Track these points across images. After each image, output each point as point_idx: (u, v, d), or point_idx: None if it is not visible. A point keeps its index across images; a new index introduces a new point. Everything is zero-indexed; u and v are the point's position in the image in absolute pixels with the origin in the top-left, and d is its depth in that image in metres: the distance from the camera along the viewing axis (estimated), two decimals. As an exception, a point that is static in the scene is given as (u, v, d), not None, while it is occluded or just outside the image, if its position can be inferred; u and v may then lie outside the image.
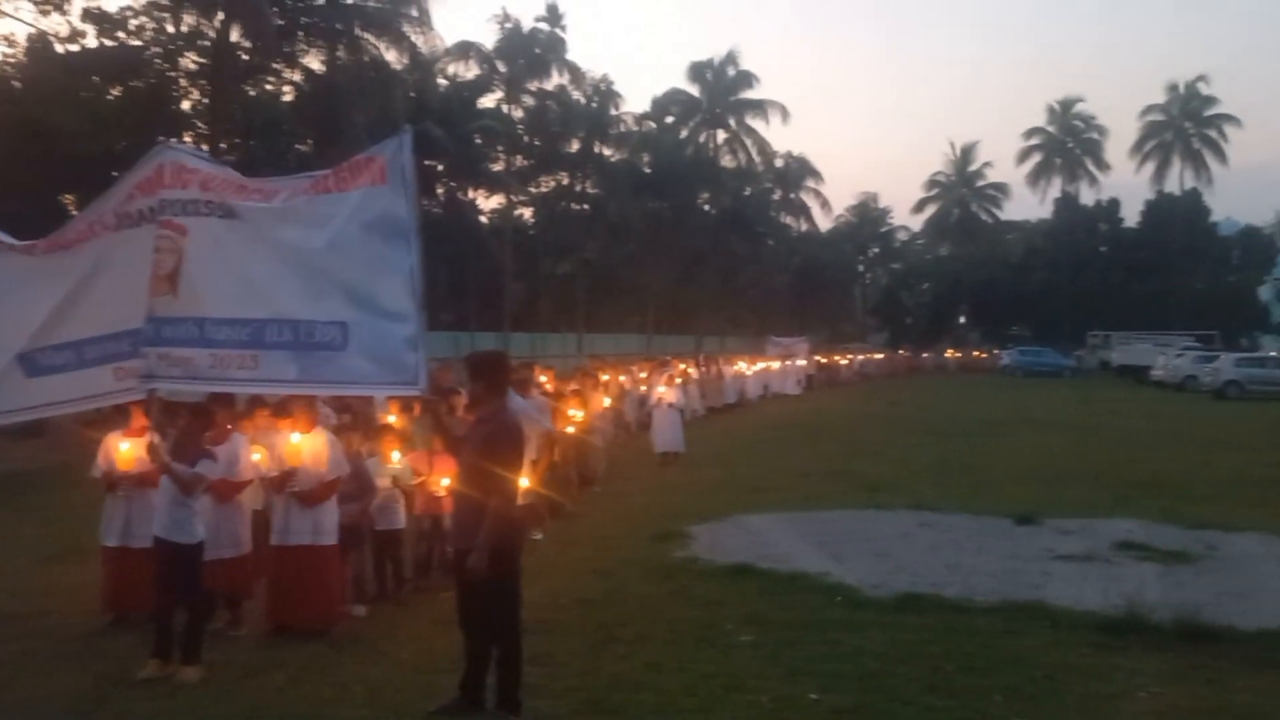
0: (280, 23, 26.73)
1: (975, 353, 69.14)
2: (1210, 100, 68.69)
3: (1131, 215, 71.01)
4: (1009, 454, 17.44)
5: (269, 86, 29.76)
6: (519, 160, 43.27)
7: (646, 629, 6.60)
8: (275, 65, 28.34)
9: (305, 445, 6.70)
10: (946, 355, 65.41)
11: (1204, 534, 9.66)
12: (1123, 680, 5.58)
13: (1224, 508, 11.45)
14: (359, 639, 6.49)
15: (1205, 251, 67.97)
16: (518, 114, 42.62)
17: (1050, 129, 73.53)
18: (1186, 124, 68.91)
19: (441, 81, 38.63)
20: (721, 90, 56.78)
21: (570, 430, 11.80)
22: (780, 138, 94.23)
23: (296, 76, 29.20)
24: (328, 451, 6.71)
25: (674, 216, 48.96)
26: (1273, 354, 46.55)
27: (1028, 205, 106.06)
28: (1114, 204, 72.28)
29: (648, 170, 50.03)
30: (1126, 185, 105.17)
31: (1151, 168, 69.98)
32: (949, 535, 9.76)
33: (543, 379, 13.80)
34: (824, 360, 44.66)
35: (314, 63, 28.97)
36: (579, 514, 11.08)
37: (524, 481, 6.45)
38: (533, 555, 7.87)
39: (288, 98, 30.12)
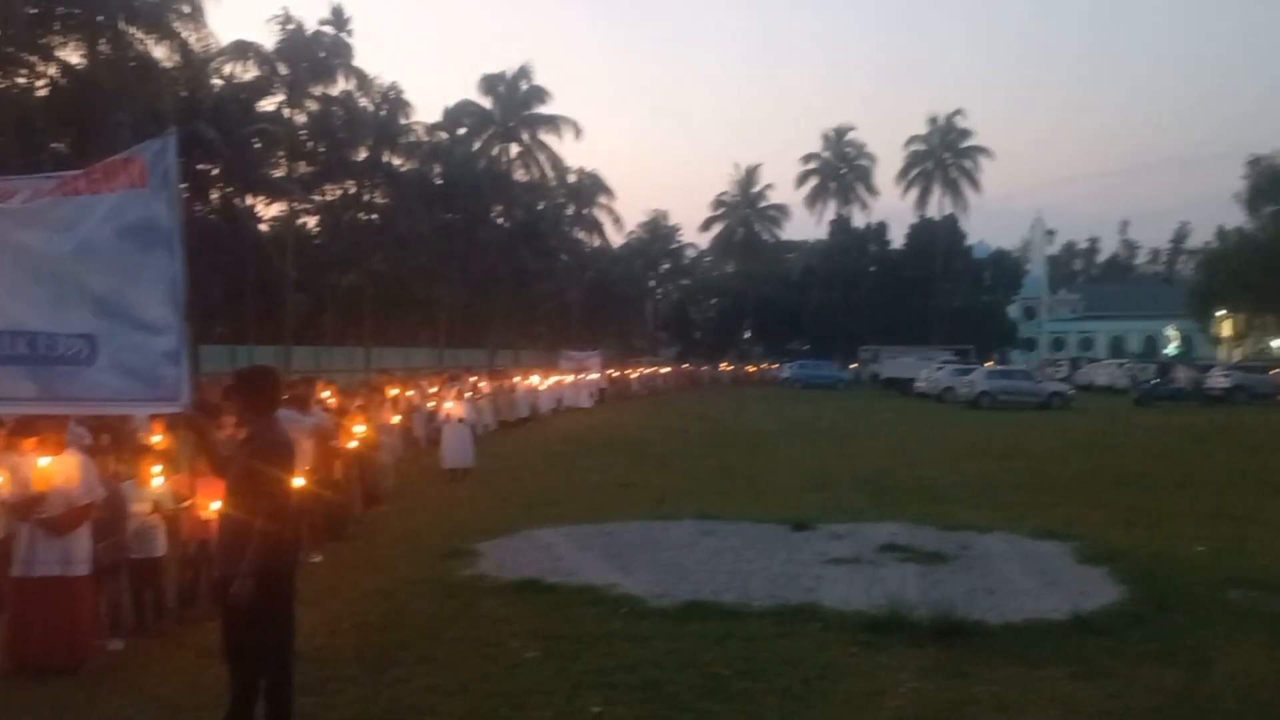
0: (33, 10, 24.63)
1: (750, 366, 71.63)
2: (966, 133, 74.56)
3: (898, 237, 76.22)
4: (788, 463, 18.25)
5: (20, 80, 27.30)
6: (302, 167, 41.58)
7: (428, 650, 6.46)
8: (27, 57, 26.05)
9: (54, 468, 6.16)
10: (722, 369, 67.34)
11: (958, 535, 10.42)
12: (886, 677, 5.92)
13: (975, 510, 12.38)
14: (114, 676, 6.02)
15: (962, 272, 73.75)
16: (300, 119, 40.98)
17: (826, 155, 77.77)
18: (945, 154, 74.46)
19: (217, 82, 36.63)
20: (514, 104, 56.80)
21: (354, 446, 11.43)
22: (573, 153, 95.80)
23: (52, 70, 26.98)
24: (79, 475, 6.20)
25: (466, 229, 48.40)
26: (1019, 366, 50.96)
27: (806, 226, 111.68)
28: (882, 227, 77.33)
29: (439, 181, 49.25)
30: (894, 209, 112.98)
31: (915, 194, 75.12)
32: (730, 543, 10.08)
33: (325, 394, 13.30)
34: (616, 374, 45.30)
35: (73, 56, 26.86)
36: (362, 534, 10.74)
37: (296, 500, 6.16)
38: (310, 579, 7.55)
39: (42, 92, 27.75)
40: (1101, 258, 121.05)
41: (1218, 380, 41.70)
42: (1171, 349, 79.12)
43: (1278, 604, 7.67)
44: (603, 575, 8.59)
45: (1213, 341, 78.45)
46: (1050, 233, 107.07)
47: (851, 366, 63.26)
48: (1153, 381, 42.33)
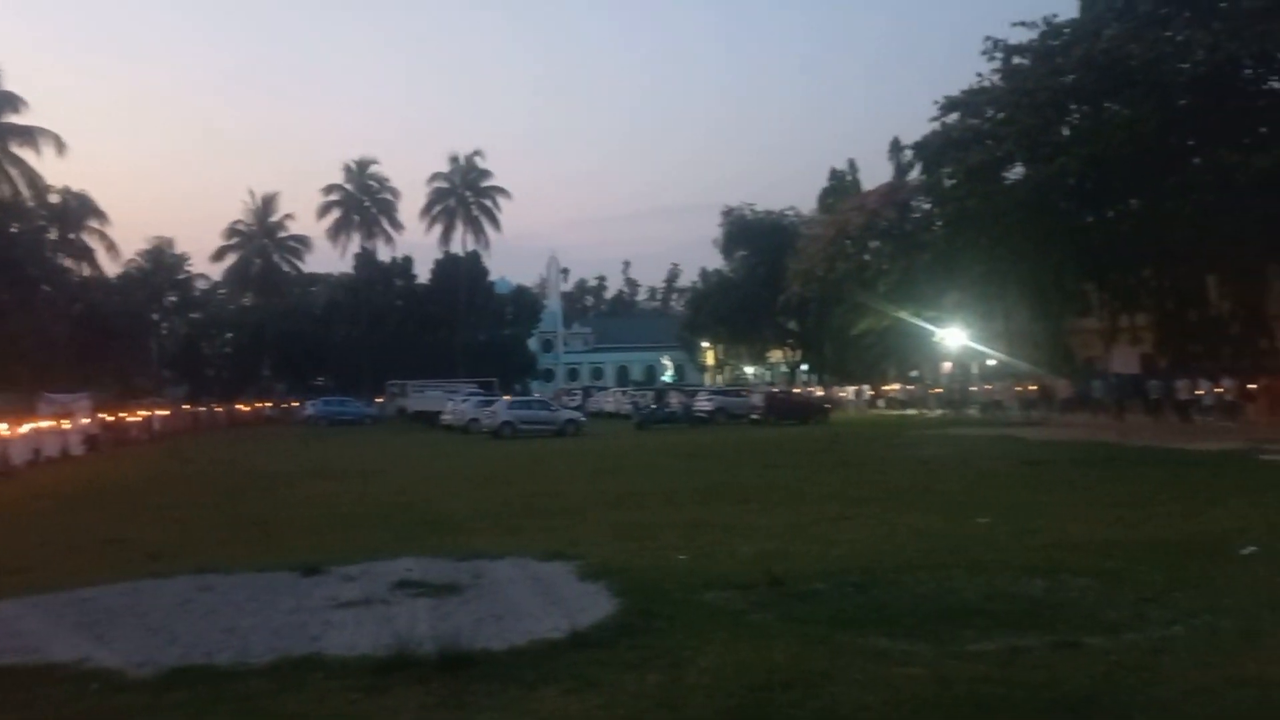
0: None
1: (270, 405, 66.82)
2: (485, 173, 77.50)
3: (424, 272, 76.97)
4: (304, 504, 17.46)
5: None
6: None
7: None
8: None
9: None
10: (239, 408, 61.88)
11: (472, 564, 10.58)
12: (386, 719, 5.77)
13: (492, 537, 12.71)
14: None
15: (485, 307, 76.28)
16: None
17: (348, 187, 76.45)
18: (467, 192, 76.77)
19: None
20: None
21: None
22: (55, 171, 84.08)
23: None
24: None
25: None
26: (538, 397, 53.66)
27: (330, 259, 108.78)
28: (408, 261, 77.67)
29: None
30: (419, 244, 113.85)
31: (439, 229, 76.52)
32: (230, 597, 9.34)
33: None
34: (110, 418, 40.55)
35: None
36: None
37: None
38: None
39: None
40: (609, 294, 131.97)
41: (703, 404, 47.13)
42: (667, 376, 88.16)
43: (743, 602, 8.66)
44: (72, 650, 7.49)
45: (700, 369, 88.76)
46: (564, 271, 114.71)
47: (378, 401, 62.52)
48: (651, 406, 46.75)
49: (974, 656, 6.65)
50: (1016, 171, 40.05)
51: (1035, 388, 43.65)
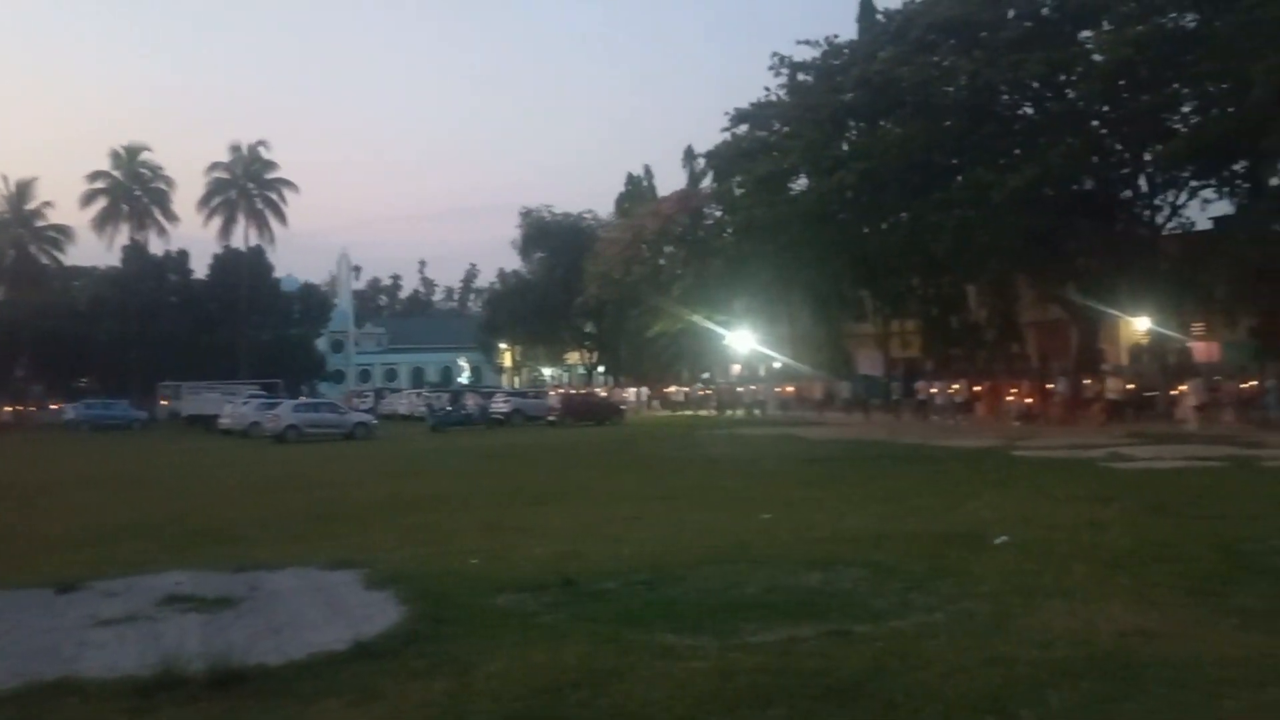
0: None
1: (23, 408, 61.33)
2: (270, 164, 73.90)
3: (201, 267, 72.67)
4: (60, 516, 16.10)
5: None
6: None
7: None
8: None
9: None
10: None
11: (249, 576, 10.07)
12: (150, 744, 5.40)
13: (273, 547, 12.14)
14: None
15: (270, 305, 72.82)
16: None
17: (116, 174, 71.02)
18: (250, 184, 72.96)
19: None
20: None
21: None
22: None
23: None
24: None
25: None
26: (326, 399, 51.78)
27: (95, 251, 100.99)
28: (184, 255, 73.19)
29: None
30: (197, 238, 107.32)
31: (219, 222, 72.34)
32: (-30, 620, 8.49)
33: None
34: None
35: None
36: None
37: None
38: None
39: None
40: (404, 294, 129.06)
41: (499, 405, 46.85)
42: (463, 378, 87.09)
43: (535, 604, 8.64)
44: None
45: (497, 370, 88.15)
46: (356, 269, 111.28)
47: (153, 404, 58.54)
48: (446, 409, 46.03)
49: (754, 648, 6.91)
50: (801, 183, 41.95)
51: (793, 389, 46.80)
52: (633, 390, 61.05)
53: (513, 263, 79.48)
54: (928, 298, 44.26)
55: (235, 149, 72.94)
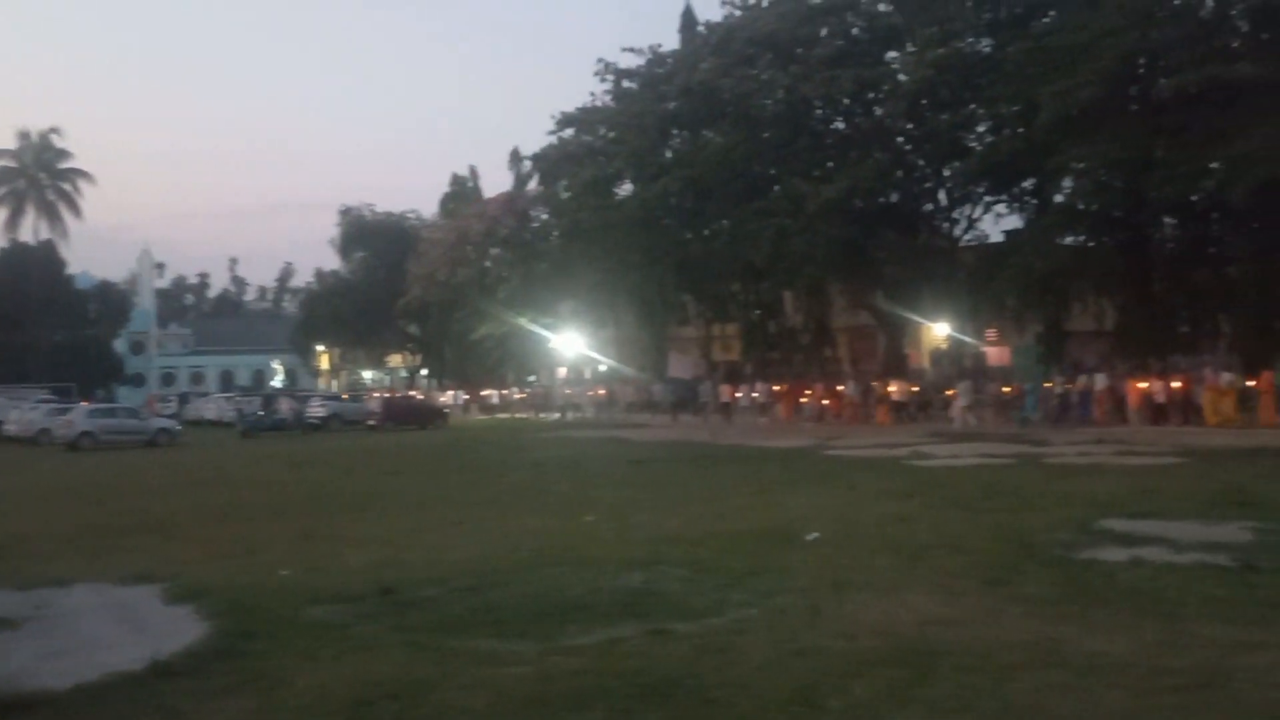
0: None
1: None
2: (64, 153, 69.00)
3: (-16, 262, 66.86)
4: None
5: None
6: None
7: None
8: None
9: None
10: None
11: (36, 594, 9.35)
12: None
13: (64, 562, 11.31)
14: None
15: (64, 304, 67.74)
16: None
17: (-115, 159, 64.74)
18: (41, 174, 67.90)
19: None
20: None
21: None
22: None
23: None
24: None
25: None
26: (124, 404, 48.69)
27: None
28: (-38, 250, 67.22)
29: None
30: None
31: (4, 215, 66.97)
32: None
33: None
34: None
35: None
36: None
37: None
38: None
39: None
40: (213, 293, 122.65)
41: (316, 410, 45.20)
42: (277, 381, 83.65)
43: (351, 615, 8.39)
44: None
45: (314, 373, 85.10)
46: (160, 265, 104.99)
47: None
48: (259, 414, 44.06)
49: (575, 650, 6.93)
50: (627, 188, 42.47)
51: (604, 391, 47.73)
52: (450, 394, 60.10)
53: (331, 262, 76.90)
54: (748, 302, 45.60)
55: (24, 136, 67.74)
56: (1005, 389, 32.16)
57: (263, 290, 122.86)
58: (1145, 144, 27.98)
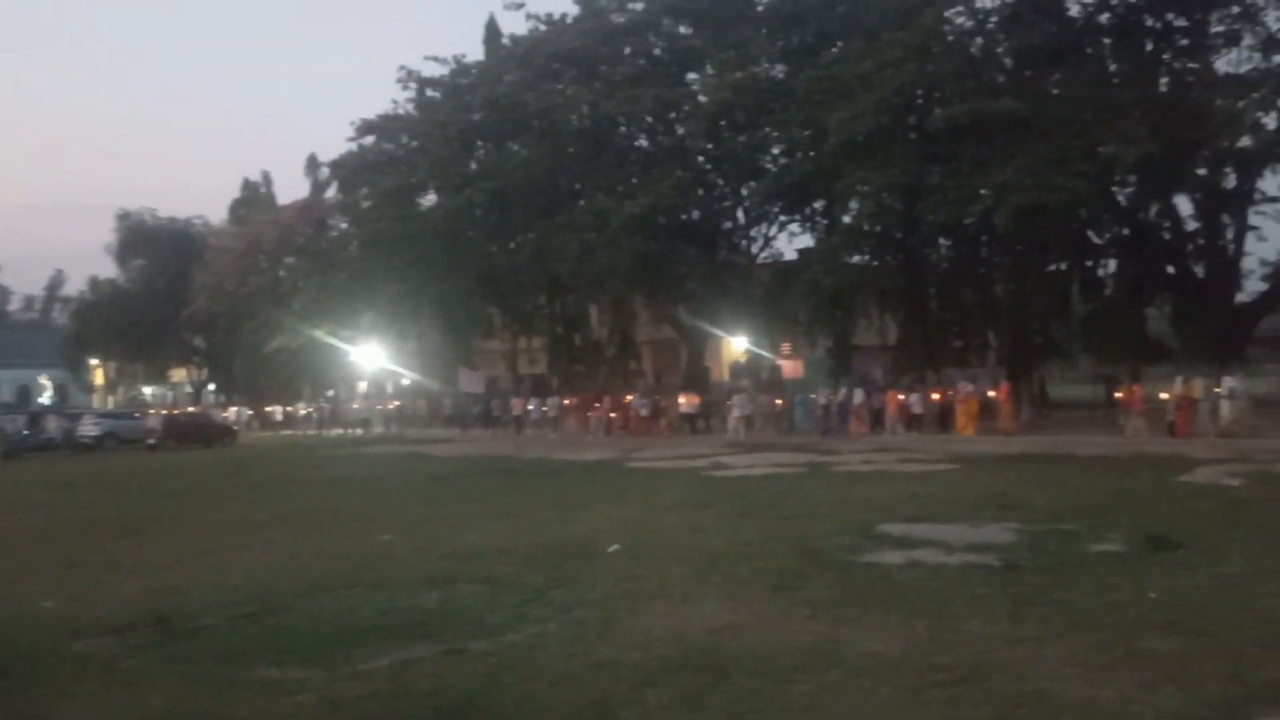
0: None
1: None
2: None
3: None
4: None
5: None
6: None
7: None
8: None
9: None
10: None
11: None
12: None
13: None
14: None
15: None
16: None
17: None
18: None
19: None
20: None
21: None
22: None
23: None
24: None
25: None
26: None
27: None
28: None
29: None
30: None
31: None
32: None
33: None
34: None
35: None
36: None
37: None
38: None
39: None
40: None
41: (89, 428, 42.02)
42: (45, 398, 77.35)
43: (120, 647, 7.84)
44: None
45: (87, 390, 79.14)
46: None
47: None
48: (23, 433, 40.61)
49: (365, 675, 6.72)
50: (431, 198, 41.78)
51: (395, 406, 47.12)
52: (233, 410, 57.20)
53: (108, 270, 71.70)
54: (553, 316, 45.71)
55: None
56: (778, 401, 33.77)
57: (29, 299, 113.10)
58: (922, 170, 29.96)
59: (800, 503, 14.99)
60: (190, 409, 58.50)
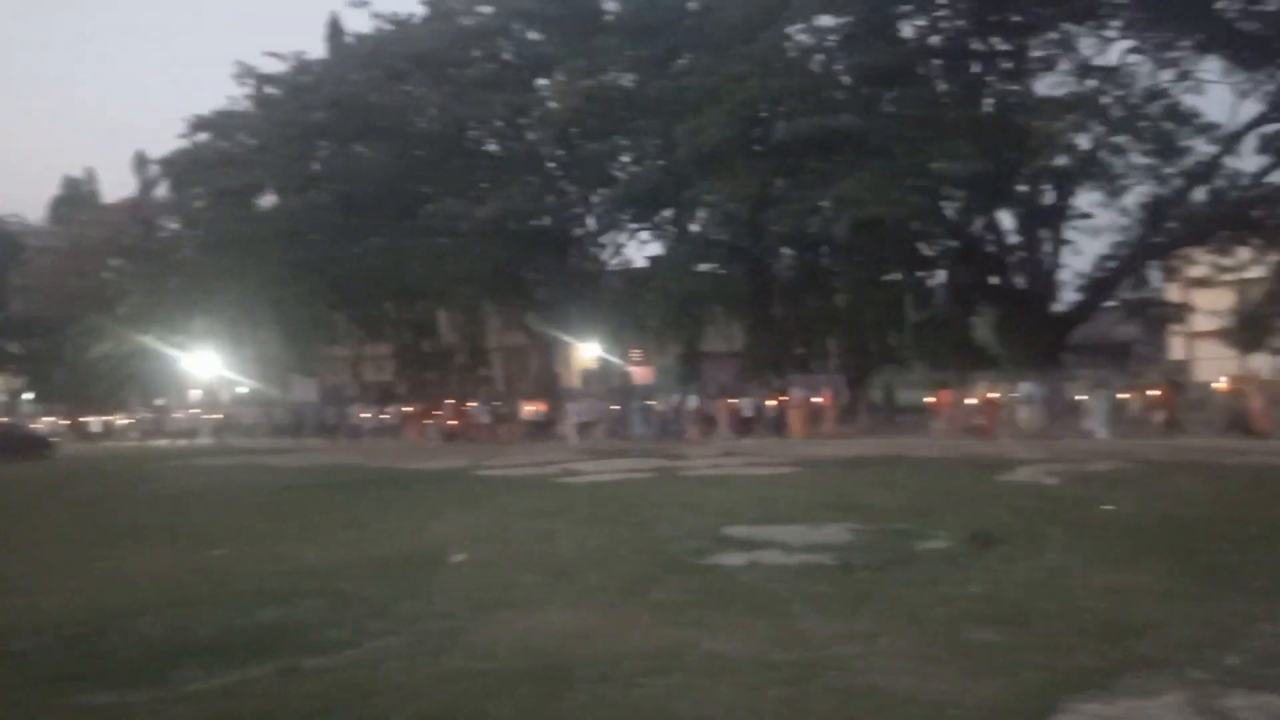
0: None
1: None
2: None
3: None
4: None
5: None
6: None
7: None
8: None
9: None
10: None
11: None
12: None
13: None
14: None
15: None
16: None
17: None
18: None
19: None
20: None
21: None
22: None
23: None
24: None
25: None
26: None
27: None
28: None
29: None
30: None
31: None
32: None
33: None
34: None
35: None
36: None
37: None
38: None
39: None
40: None
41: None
42: None
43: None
44: None
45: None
46: None
47: None
48: None
49: (194, 697, 6.43)
50: (271, 199, 40.31)
51: (222, 415, 45.67)
52: (46, 420, 53.81)
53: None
54: (401, 322, 44.81)
55: None
56: (615, 407, 34.30)
57: None
58: (766, 181, 30.83)
59: (649, 508, 15.14)
60: (3, 419, 54.58)
